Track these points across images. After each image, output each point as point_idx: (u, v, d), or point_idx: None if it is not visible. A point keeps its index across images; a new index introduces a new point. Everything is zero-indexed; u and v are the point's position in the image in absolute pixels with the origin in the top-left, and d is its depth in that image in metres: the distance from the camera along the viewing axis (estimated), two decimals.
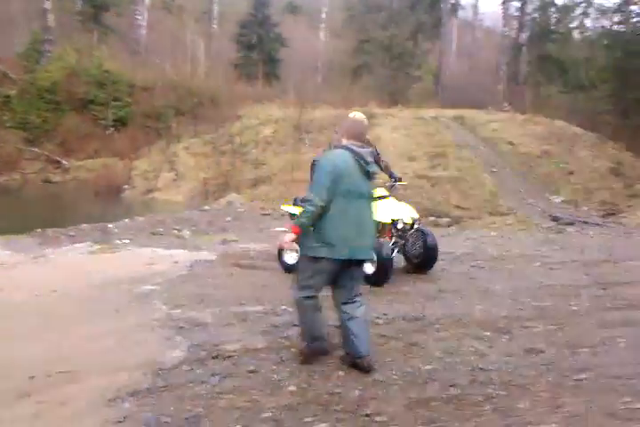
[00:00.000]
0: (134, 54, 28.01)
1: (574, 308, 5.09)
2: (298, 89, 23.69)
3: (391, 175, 6.64)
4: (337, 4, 34.77)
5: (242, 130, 19.89)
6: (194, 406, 3.14)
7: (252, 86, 27.07)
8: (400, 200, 6.49)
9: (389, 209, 6.03)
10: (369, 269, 5.70)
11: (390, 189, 6.59)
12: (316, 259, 3.49)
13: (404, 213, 6.13)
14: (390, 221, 5.99)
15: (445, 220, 12.54)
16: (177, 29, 32.39)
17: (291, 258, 6.41)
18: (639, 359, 3.86)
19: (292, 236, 3.50)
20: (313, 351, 3.72)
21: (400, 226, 6.02)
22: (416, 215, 6.24)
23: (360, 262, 3.66)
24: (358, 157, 3.53)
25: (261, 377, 3.48)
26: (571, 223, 12.13)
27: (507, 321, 4.70)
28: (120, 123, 23.40)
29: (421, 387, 3.40)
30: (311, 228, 3.49)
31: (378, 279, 5.72)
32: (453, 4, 32.88)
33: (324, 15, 32.69)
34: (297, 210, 6.42)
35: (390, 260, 5.75)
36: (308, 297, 3.61)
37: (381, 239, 5.86)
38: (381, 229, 6.04)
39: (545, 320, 4.73)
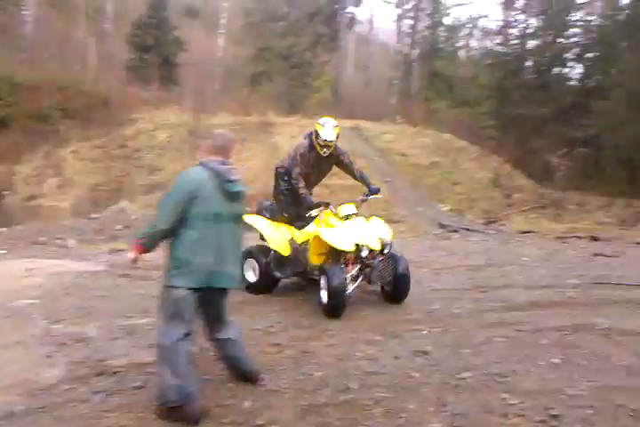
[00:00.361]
0: (19, 52, 26.09)
1: (458, 311, 5.38)
2: (195, 94, 23.22)
3: (369, 186, 5.86)
4: (236, 10, 34.57)
5: (136, 134, 19.13)
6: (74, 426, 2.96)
7: (147, 90, 26.15)
8: (370, 217, 5.61)
9: (355, 232, 5.16)
10: (324, 297, 5.07)
11: (360, 204, 5.75)
12: (174, 288, 3.11)
13: (371, 236, 5.19)
14: (354, 248, 5.08)
15: None
16: (67, 27, 30.62)
17: (252, 275, 5.93)
18: (514, 357, 4.15)
19: (132, 255, 3.18)
20: (183, 415, 3.01)
21: (365, 253, 5.10)
22: (388, 238, 5.32)
23: (223, 291, 3.32)
24: (216, 176, 3.17)
25: (149, 393, 3.34)
26: (456, 231, 12.87)
27: (396, 325, 4.87)
28: (0, 124, 21.63)
29: (313, 394, 3.43)
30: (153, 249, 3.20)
31: (330, 310, 4.99)
32: (350, 19, 33.85)
33: (223, 21, 32.33)
34: (262, 223, 5.86)
35: (342, 288, 4.89)
36: (185, 336, 3.09)
37: (335, 266, 5.08)
38: (343, 256, 5.22)
39: (432, 323, 4.95)
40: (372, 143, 18.68)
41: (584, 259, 9.06)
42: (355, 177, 5.99)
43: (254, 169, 14.63)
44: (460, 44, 32.07)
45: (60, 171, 18.11)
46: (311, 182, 5.91)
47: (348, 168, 5.95)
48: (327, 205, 5.52)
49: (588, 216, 15.89)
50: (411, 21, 30.64)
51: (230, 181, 3.23)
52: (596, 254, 9.46)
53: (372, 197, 5.82)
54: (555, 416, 3.17)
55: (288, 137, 17.24)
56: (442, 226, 13.30)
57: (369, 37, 38.98)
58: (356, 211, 5.42)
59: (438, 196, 15.69)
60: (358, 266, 5.23)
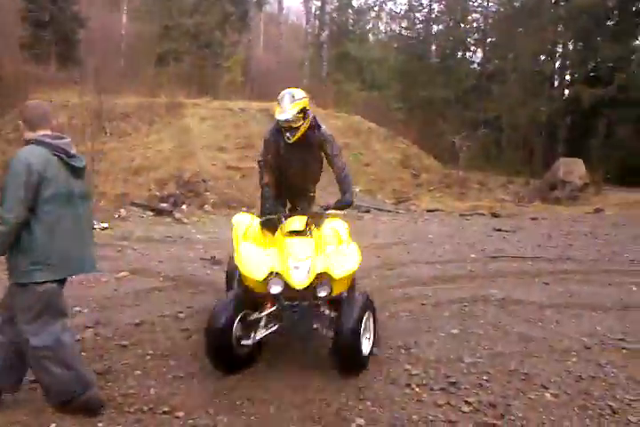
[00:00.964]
0: None
1: (365, 288, 5.52)
2: (98, 74, 22.01)
3: (343, 196, 4.08)
4: None
5: None
6: None
7: (44, 69, 24.46)
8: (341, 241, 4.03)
9: (284, 256, 3.57)
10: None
11: (316, 219, 4.01)
12: (37, 284, 2.77)
13: (304, 266, 3.48)
14: (263, 277, 3.48)
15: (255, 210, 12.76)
16: None
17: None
18: (418, 330, 4.35)
19: None
20: (84, 404, 2.88)
21: (275, 289, 3.41)
22: (338, 274, 3.53)
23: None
24: (58, 152, 2.83)
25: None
26: (368, 211, 13.18)
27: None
28: None
29: (222, 378, 3.40)
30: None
31: (212, 361, 3.44)
32: None
33: None
34: (241, 227, 4.19)
35: (223, 330, 3.33)
36: (63, 329, 2.89)
37: (227, 299, 3.57)
38: (258, 287, 3.56)
39: None
40: None
41: (484, 234, 9.59)
42: (335, 175, 4.21)
43: (164, 152, 14.17)
44: (369, 26, 32.46)
45: None
46: (290, 179, 4.30)
47: (330, 162, 4.21)
48: (281, 213, 4.05)
49: (490, 194, 16.80)
50: (318, 3, 30.62)
51: (74, 157, 2.91)
52: (496, 230, 10.04)
53: (331, 211, 4.12)
54: (453, 384, 3.37)
55: (198, 119, 16.82)
56: (354, 207, 13.58)
57: (279, 17, 38.58)
58: (301, 228, 3.78)
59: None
60: (272, 308, 3.55)
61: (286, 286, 3.43)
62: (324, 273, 3.51)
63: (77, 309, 4.62)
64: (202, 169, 13.67)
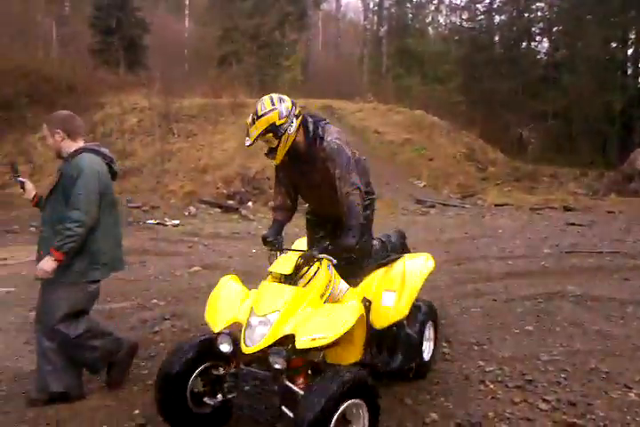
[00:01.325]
0: None
1: (435, 283, 5.45)
2: (164, 77, 22.77)
3: (344, 232, 2.88)
4: None
5: (104, 119, 18.73)
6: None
7: (113, 73, 25.55)
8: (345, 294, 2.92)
9: (254, 306, 2.57)
10: None
11: (308, 261, 2.75)
12: (90, 283, 2.98)
13: (268, 323, 2.46)
14: (220, 329, 2.64)
15: None
16: (25, 11, 29.60)
17: None
18: (490, 326, 4.25)
19: (54, 265, 2.80)
20: (131, 349, 3.26)
21: (225, 348, 2.57)
22: (304, 341, 2.39)
23: None
24: (108, 160, 3.07)
25: (129, 375, 3.35)
26: (433, 206, 13.00)
27: None
28: None
29: None
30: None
31: (162, 417, 2.67)
32: None
33: (187, 1, 31.67)
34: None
35: (178, 384, 2.59)
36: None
37: (189, 343, 2.74)
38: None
39: None
40: (345, 122, 18.61)
41: (557, 229, 9.25)
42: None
43: (229, 151, 14.51)
44: (428, 20, 31.95)
45: (30, 158, 17.71)
46: (311, 204, 3.44)
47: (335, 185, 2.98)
48: (277, 245, 3.03)
49: (561, 187, 16.20)
50: None
51: (114, 162, 3.13)
52: (569, 224, 9.66)
53: (318, 253, 2.78)
54: (530, 381, 3.26)
55: None
56: (418, 201, 13.42)
57: (337, 15, 38.57)
58: (288, 271, 2.70)
59: (413, 172, 15.77)
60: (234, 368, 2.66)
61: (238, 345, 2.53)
62: (292, 336, 2.47)
63: (155, 301, 4.80)
64: (266, 167, 13.89)
